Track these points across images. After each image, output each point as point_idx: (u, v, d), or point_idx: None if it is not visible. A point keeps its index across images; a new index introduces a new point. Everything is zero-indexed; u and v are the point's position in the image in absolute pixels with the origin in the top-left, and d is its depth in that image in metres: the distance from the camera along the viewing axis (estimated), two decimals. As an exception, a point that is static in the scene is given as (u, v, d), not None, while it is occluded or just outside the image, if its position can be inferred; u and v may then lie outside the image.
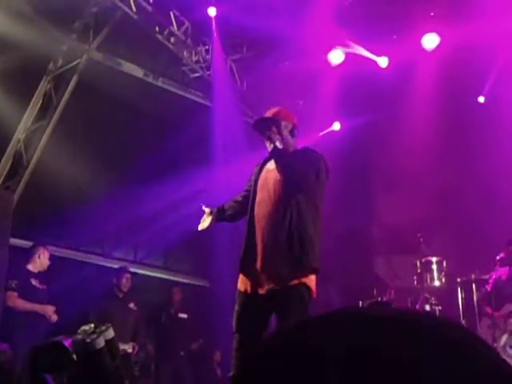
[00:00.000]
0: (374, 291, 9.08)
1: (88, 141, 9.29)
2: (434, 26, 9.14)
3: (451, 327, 0.88)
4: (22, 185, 8.78)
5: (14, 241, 8.22)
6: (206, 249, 10.64)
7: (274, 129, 4.53)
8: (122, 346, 7.43)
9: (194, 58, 10.01)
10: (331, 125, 11.19)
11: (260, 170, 4.70)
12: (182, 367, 9.47)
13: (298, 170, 4.44)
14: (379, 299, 8.85)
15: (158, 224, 10.22)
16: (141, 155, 10.07)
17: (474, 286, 8.25)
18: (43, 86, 9.11)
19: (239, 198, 4.91)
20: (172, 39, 9.47)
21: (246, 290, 4.47)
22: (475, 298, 8.23)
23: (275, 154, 4.53)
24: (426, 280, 8.40)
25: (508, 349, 7.60)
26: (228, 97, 10.50)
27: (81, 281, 9.35)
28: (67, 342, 5.03)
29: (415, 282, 8.60)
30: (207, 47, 10.01)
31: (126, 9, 8.68)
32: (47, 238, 8.87)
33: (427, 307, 8.23)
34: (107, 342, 5.08)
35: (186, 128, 10.39)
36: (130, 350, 8.21)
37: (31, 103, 9.06)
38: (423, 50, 9.35)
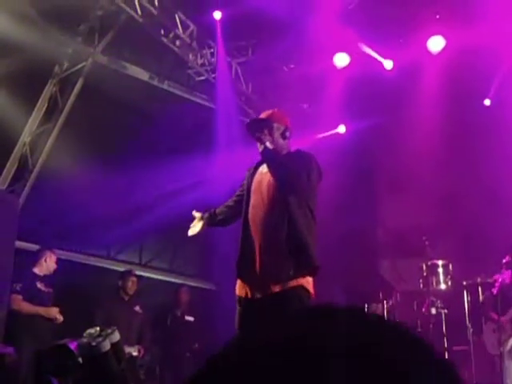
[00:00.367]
0: (380, 294, 9.07)
1: (93, 144, 9.29)
2: (440, 28, 9.13)
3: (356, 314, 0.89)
4: (27, 188, 8.79)
5: (19, 244, 8.23)
6: (211, 252, 10.64)
7: (265, 131, 4.55)
8: (128, 349, 7.43)
9: (200, 61, 10.02)
10: (336, 128, 11.19)
11: (253, 174, 4.71)
12: (187, 370, 9.45)
13: (289, 170, 4.45)
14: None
15: (163, 227, 10.21)
16: (147, 158, 10.07)
17: (480, 289, 8.24)
18: (49, 89, 9.12)
19: (231, 203, 4.93)
20: (177, 42, 9.48)
21: (245, 295, 4.48)
22: (480, 302, 8.22)
23: (265, 155, 4.55)
24: (432, 283, 8.39)
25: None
26: (232, 100, 10.52)
27: (86, 283, 9.35)
28: (73, 345, 5.03)
29: (421, 285, 8.58)
30: (212, 50, 10.02)
31: (132, 12, 8.69)
32: (52, 241, 8.87)
33: (433, 310, 8.22)
34: (113, 345, 5.08)
35: (191, 130, 10.40)
36: (135, 353, 8.21)
37: (37, 106, 9.07)
38: (429, 52, 9.34)
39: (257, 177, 4.66)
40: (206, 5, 9.38)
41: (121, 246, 10.89)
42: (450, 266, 8.48)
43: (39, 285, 7.79)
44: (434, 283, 8.41)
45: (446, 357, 7.88)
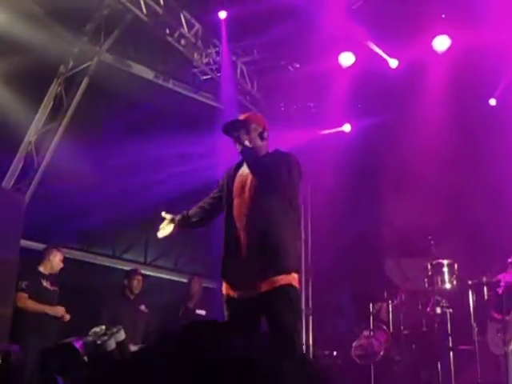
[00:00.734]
0: (385, 294, 9.06)
1: (99, 143, 9.31)
2: (445, 28, 9.12)
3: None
4: (32, 187, 8.80)
5: (24, 242, 8.25)
6: (216, 250, 10.62)
7: (243, 131, 4.57)
8: (133, 348, 7.44)
9: (205, 60, 10.03)
10: (342, 126, 11.20)
11: (233, 176, 4.73)
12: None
13: (269, 168, 4.48)
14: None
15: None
16: (152, 154, 10.07)
17: (485, 288, 8.22)
18: (54, 88, 9.14)
19: (205, 205, 4.95)
20: (182, 41, 9.49)
21: (232, 296, 4.49)
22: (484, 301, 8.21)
23: (245, 153, 4.58)
24: (437, 282, 8.38)
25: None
26: (237, 99, 10.53)
27: (91, 282, 9.37)
28: (78, 344, 5.05)
29: (426, 285, 8.58)
30: (217, 49, 10.03)
31: (137, 11, 8.70)
32: (58, 239, 8.89)
33: (438, 310, 8.22)
34: (118, 343, 5.09)
35: (195, 129, 10.40)
36: (140, 352, 8.20)
37: (42, 105, 9.08)
38: (434, 52, 9.33)
39: (238, 178, 4.68)
40: (211, 4, 9.38)
41: (126, 245, 10.91)
42: (455, 266, 8.47)
43: (45, 283, 7.81)
44: (439, 282, 8.41)
45: (451, 356, 7.89)
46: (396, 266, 11.01)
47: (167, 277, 11.47)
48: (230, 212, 4.60)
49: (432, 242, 8.50)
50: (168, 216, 4.94)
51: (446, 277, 8.41)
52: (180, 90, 10.53)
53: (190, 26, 9.49)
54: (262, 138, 4.66)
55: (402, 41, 9.38)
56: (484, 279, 8.26)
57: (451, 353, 7.95)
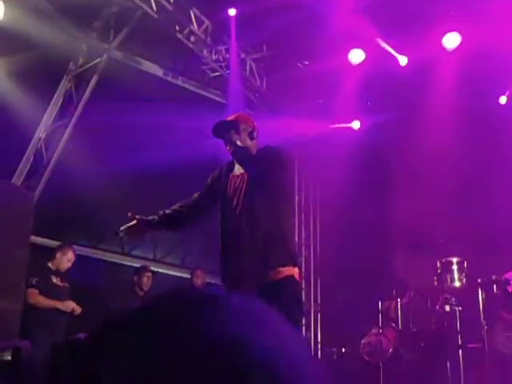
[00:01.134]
0: (394, 291, 9.04)
1: (108, 139, 9.31)
2: (456, 25, 9.09)
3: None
4: (42, 183, 8.83)
5: (34, 239, 8.27)
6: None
7: (233, 131, 4.59)
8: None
9: (214, 57, 10.04)
10: (350, 123, 11.18)
11: (226, 177, 4.73)
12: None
13: (262, 166, 4.51)
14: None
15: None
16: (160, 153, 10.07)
17: (494, 286, 8.19)
18: (64, 84, 9.17)
19: (186, 209, 4.93)
20: (192, 38, 9.50)
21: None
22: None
23: (237, 153, 4.59)
24: (446, 280, 8.36)
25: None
26: (245, 96, 10.53)
27: (100, 279, 9.38)
28: (88, 340, 5.05)
29: (435, 283, 8.55)
30: (227, 46, 10.03)
31: (147, 8, 8.71)
32: (67, 236, 8.91)
33: (447, 308, 8.19)
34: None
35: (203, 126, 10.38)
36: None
37: (52, 102, 9.12)
38: (444, 49, 9.30)
39: (231, 179, 4.69)
40: (221, 1, 9.39)
41: (135, 242, 10.92)
42: (465, 264, 8.44)
43: (54, 279, 7.84)
44: (449, 280, 8.38)
45: (460, 354, 7.86)
46: (405, 264, 10.98)
47: (176, 274, 11.48)
48: (225, 213, 4.62)
49: (441, 240, 8.47)
50: (136, 217, 4.95)
51: (456, 275, 8.39)
52: (189, 87, 10.54)
53: (200, 23, 9.49)
54: (251, 137, 4.68)
55: (412, 38, 9.35)
56: (493, 277, 8.22)
57: (460, 351, 7.92)
